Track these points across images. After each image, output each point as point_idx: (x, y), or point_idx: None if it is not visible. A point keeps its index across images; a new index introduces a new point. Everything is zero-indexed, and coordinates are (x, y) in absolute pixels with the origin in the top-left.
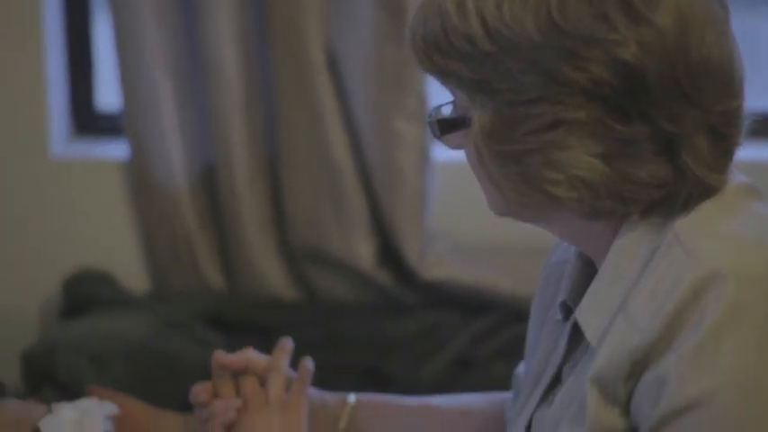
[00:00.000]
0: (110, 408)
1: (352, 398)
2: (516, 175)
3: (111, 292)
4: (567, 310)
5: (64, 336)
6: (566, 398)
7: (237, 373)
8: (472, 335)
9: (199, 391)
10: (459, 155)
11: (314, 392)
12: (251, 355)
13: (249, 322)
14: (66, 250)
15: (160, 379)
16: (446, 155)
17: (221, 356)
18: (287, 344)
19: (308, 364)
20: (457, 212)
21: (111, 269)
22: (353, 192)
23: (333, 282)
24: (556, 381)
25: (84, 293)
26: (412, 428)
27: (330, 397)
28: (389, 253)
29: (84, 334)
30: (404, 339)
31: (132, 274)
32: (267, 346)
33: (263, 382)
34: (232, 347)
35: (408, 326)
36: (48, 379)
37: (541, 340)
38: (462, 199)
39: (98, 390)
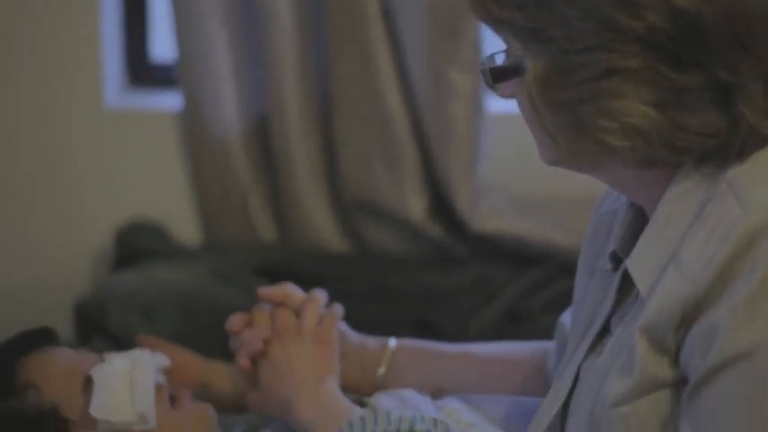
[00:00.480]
0: (162, 359)
1: (392, 343)
2: (569, 124)
3: (163, 243)
4: (617, 260)
5: (116, 287)
6: (614, 348)
7: (276, 306)
8: (523, 288)
9: (233, 320)
10: (512, 106)
11: (354, 336)
12: (289, 289)
13: (300, 274)
14: (119, 201)
15: (211, 330)
16: (499, 106)
17: (262, 289)
18: (322, 293)
19: (338, 305)
20: (509, 164)
21: (164, 220)
22: (406, 143)
23: (384, 234)
24: (604, 331)
25: (137, 244)
26: (452, 375)
27: (371, 341)
28: (441, 205)
29: (135, 285)
30: (454, 292)
31: (185, 225)
32: None
33: (298, 316)
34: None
35: (459, 278)
36: (99, 330)
37: (590, 290)
38: (515, 150)
39: (148, 339)
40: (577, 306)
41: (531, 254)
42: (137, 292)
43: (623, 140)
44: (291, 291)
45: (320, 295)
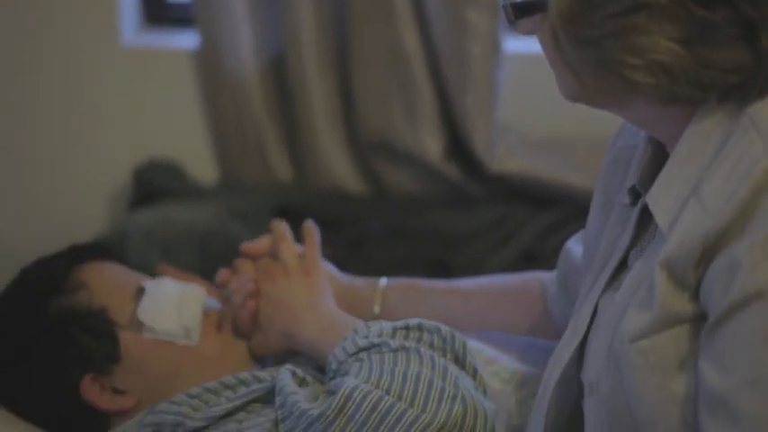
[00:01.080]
0: (212, 303)
1: (383, 281)
2: (594, 60)
3: (180, 182)
4: (636, 195)
5: (134, 225)
6: (633, 282)
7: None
8: (539, 228)
9: (220, 273)
10: (530, 45)
11: (343, 277)
12: (264, 241)
13: (317, 215)
14: (136, 140)
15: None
16: (517, 46)
17: (245, 244)
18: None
19: (310, 224)
20: (526, 105)
21: (181, 159)
22: (423, 83)
23: (400, 174)
24: (622, 266)
25: (154, 183)
26: (442, 308)
27: (360, 282)
28: (458, 146)
29: (154, 223)
30: (470, 232)
31: (201, 164)
32: (333, 238)
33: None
34: (299, 238)
35: (475, 219)
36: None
37: (608, 225)
38: (532, 91)
39: (168, 269)
40: (590, 239)
41: (547, 195)
42: (155, 229)
43: (648, 77)
44: (265, 240)
45: (286, 231)
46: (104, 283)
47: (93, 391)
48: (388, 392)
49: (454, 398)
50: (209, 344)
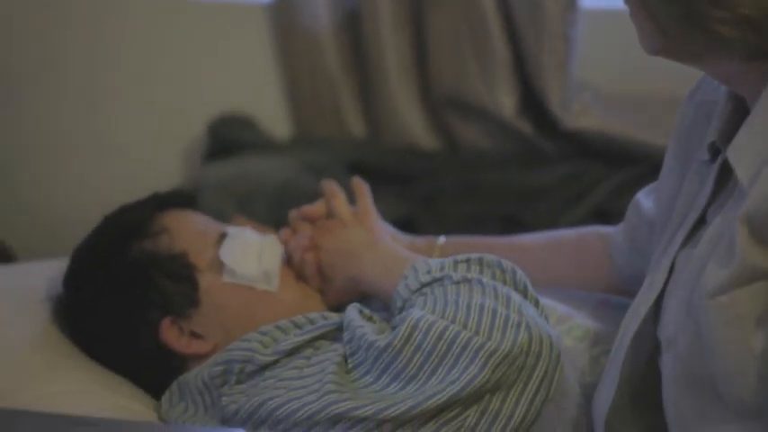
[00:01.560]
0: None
1: (441, 239)
2: (680, 14)
3: (253, 136)
4: (715, 151)
5: (209, 177)
6: (712, 238)
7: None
8: (612, 187)
9: (282, 232)
10: (606, 2)
11: (402, 236)
12: (321, 203)
13: (390, 170)
14: (211, 94)
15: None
16: (593, 2)
17: (302, 210)
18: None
19: (357, 179)
20: (602, 61)
21: (255, 113)
22: (498, 39)
23: (474, 130)
24: (700, 223)
25: (228, 137)
26: None
27: (419, 240)
28: (532, 102)
29: (228, 175)
30: (543, 189)
31: (275, 119)
32: (406, 193)
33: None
34: (372, 193)
35: (548, 176)
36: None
37: (685, 183)
38: (608, 48)
39: (243, 220)
40: (666, 196)
41: (621, 152)
42: (229, 182)
43: (733, 31)
44: (322, 204)
45: (337, 189)
46: (186, 228)
47: (171, 334)
48: (453, 322)
49: (519, 325)
50: (287, 291)
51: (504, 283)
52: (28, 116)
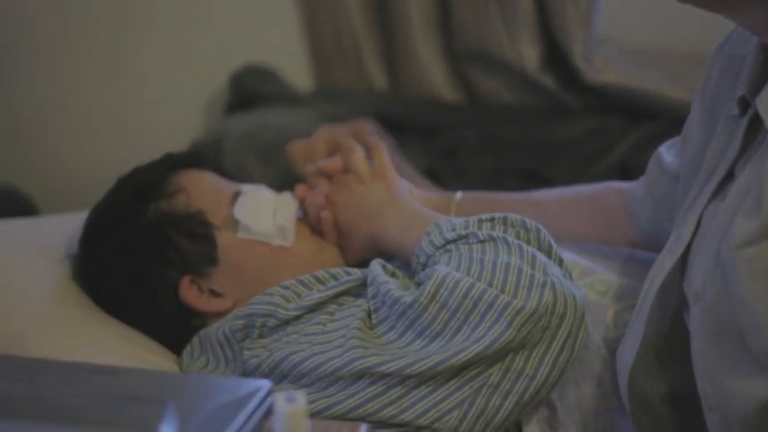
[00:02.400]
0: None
1: (458, 194)
2: None
3: (276, 88)
4: (744, 106)
5: (231, 128)
6: (741, 191)
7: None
8: (635, 141)
9: (297, 188)
10: None
11: (417, 190)
12: (337, 158)
13: (411, 122)
14: (234, 46)
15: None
16: None
17: (319, 165)
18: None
19: (368, 126)
20: (625, 16)
21: (277, 65)
22: None
23: (496, 84)
24: (729, 177)
25: (250, 89)
26: None
27: (435, 195)
28: (555, 55)
29: (250, 126)
30: (566, 143)
31: (297, 70)
32: (428, 146)
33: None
34: (395, 146)
35: (571, 130)
36: (216, 170)
37: (713, 138)
38: (632, 2)
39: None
40: (692, 151)
41: (644, 107)
42: (251, 133)
43: None
44: (339, 159)
45: (354, 143)
46: (201, 187)
47: (191, 293)
48: (479, 280)
49: (544, 285)
50: (302, 246)
51: (529, 242)
52: (52, 72)
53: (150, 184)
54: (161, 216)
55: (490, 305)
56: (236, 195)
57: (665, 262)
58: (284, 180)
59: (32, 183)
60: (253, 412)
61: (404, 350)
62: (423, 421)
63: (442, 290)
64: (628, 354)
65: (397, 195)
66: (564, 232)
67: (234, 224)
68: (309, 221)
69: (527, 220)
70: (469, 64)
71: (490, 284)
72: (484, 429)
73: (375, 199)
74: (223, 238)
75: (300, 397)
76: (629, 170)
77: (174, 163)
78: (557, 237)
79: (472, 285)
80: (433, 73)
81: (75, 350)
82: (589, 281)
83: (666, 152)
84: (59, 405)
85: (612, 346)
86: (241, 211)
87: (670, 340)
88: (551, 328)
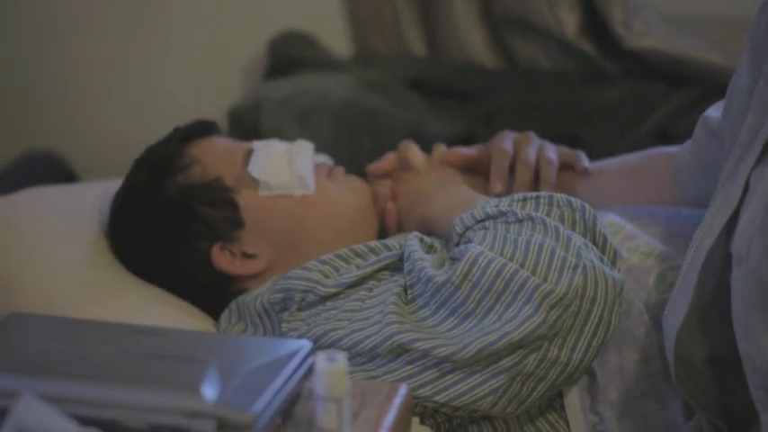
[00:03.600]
0: (321, 157)
1: None
2: None
3: (314, 53)
4: None
5: (269, 93)
6: None
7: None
8: (674, 107)
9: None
10: None
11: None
12: (388, 159)
13: (451, 88)
14: (272, 12)
15: (361, 136)
16: None
17: (370, 169)
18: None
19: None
20: None
21: (316, 31)
22: None
23: (534, 49)
24: None
25: (289, 54)
26: (565, 192)
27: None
28: (594, 21)
29: (288, 91)
30: (604, 108)
31: (336, 36)
32: (465, 111)
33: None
34: (432, 110)
35: (610, 95)
36: (254, 135)
37: (756, 94)
38: None
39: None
40: (735, 110)
41: (683, 73)
42: (290, 98)
43: None
44: (390, 156)
45: (410, 141)
46: (214, 154)
47: (224, 259)
48: (510, 259)
49: (575, 268)
50: (324, 190)
51: (574, 221)
52: (95, 39)
53: (164, 160)
54: (180, 190)
55: (521, 285)
56: (250, 153)
57: (713, 224)
58: (323, 147)
59: (73, 149)
60: (294, 372)
61: (436, 329)
62: (456, 404)
63: (474, 269)
64: (676, 316)
65: (448, 181)
66: (611, 201)
67: (254, 183)
68: (378, 212)
69: (572, 199)
70: (508, 29)
71: (522, 265)
72: (517, 409)
73: (427, 184)
74: (245, 200)
75: (341, 357)
76: (667, 136)
77: (184, 135)
78: (604, 205)
79: (504, 265)
80: (471, 38)
81: (115, 313)
82: (633, 244)
83: (713, 115)
84: (102, 365)
85: (654, 311)
86: (256, 168)
87: (714, 303)
88: (582, 313)
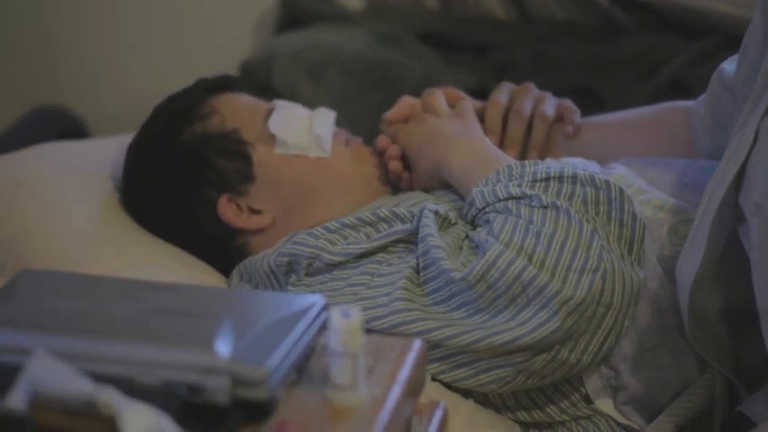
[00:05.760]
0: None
1: None
2: None
3: (325, 6)
4: None
5: (281, 46)
6: None
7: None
8: (688, 58)
9: (379, 138)
10: None
11: None
12: (407, 99)
13: (462, 39)
14: None
15: (373, 89)
16: None
17: (386, 116)
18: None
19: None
20: None
21: None
22: None
23: (548, 1)
24: None
25: (300, 7)
26: (581, 146)
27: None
28: None
29: (300, 45)
30: (620, 60)
31: None
32: (479, 63)
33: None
34: (445, 63)
35: (623, 47)
36: (265, 88)
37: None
38: None
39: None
40: (745, 58)
41: (697, 24)
42: (302, 51)
43: None
44: (409, 100)
45: (435, 89)
46: (235, 107)
47: (230, 211)
48: (530, 258)
49: (595, 271)
50: (339, 157)
51: (598, 201)
52: None
53: (184, 108)
54: (197, 137)
55: (539, 291)
56: (271, 111)
57: (724, 174)
58: (335, 100)
59: (84, 105)
60: (308, 327)
61: (447, 316)
62: (459, 385)
63: (492, 271)
64: (689, 269)
65: (472, 130)
66: (625, 153)
67: (270, 140)
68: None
69: (596, 177)
70: None
71: (543, 263)
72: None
73: (447, 130)
74: (259, 155)
75: (355, 312)
76: (682, 87)
77: (208, 87)
78: (618, 156)
79: (524, 269)
80: None
81: (127, 269)
82: (646, 197)
83: (728, 68)
84: (115, 321)
85: (668, 264)
86: (276, 124)
87: (727, 254)
88: (596, 317)
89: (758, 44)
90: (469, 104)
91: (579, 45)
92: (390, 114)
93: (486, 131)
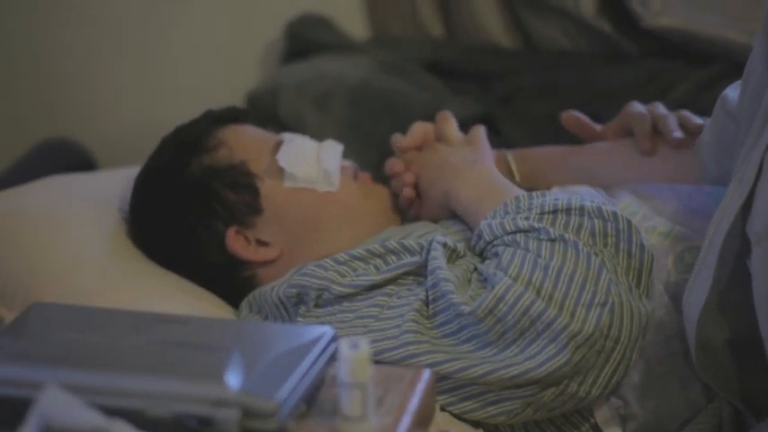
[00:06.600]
0: (348, 162)
1: (509, 155)
2: None
3: (331, 36)
4: None
5: (286, 77)
6: None
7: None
8: (693, 85)
9: (389, 162)
10: None
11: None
12: (421, 126)
13: (467, 68)
14: None
15: (379, 118)
16: None
17: (398, 141)
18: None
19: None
20: None
21: (332, 14)
22: None
23: (552, 29)
24: None
25: (306, 37)
26: (585, 170)
27: (496, 152)
28: (612, 0)
29: (305, 74)
30: (623, 87)
31: (352, 19)
32: (484, 92)
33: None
34: (450, 92)
35: (628, 74)
36: (271, 119)
37: None
38: None
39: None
40: (748, 86)
41: (702, 51)
42: (308, 81)
43: None
44: (422, 125)
45: (448, 114)
46: (243, 139)
47: (238, 243)
48: (539, 292)
49: (603, 305)
50: (347, 191)
51: (605, 234)
52: (111, 26)
53: (192, 139)
54: (204, 170)
55: (548, 325)
56: (279, 144)
57: (730, 205)
58: (341, 129)
59: (92, 137)
60: (317, 358)
61: (457, 348)
62: (467, 417)
63: (500, 305)
64: (696, 299)
65: (479, 160)
66: (632, 177)
67: (278, 173)
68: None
69: (603, 208)
70: (526, 9)
71: (551, 297)
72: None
73: (456, 159)
74: (267, 188)
75: (364, 343)
76: None
77: (215, 119)
78: (625, 181)
79: (532, 303)
80: (488, 19)
81: (136, 301)
82: (651, 224)
83: (731, 95)
84: (125, 354)
85: (674, 292)
86: (285, 158)
87: (734, 285)
88: (605, 351)
89: (759, 73)
90: (483, 130)
91: (584, 73)
92: (405, 143)
93: (641, 140)
